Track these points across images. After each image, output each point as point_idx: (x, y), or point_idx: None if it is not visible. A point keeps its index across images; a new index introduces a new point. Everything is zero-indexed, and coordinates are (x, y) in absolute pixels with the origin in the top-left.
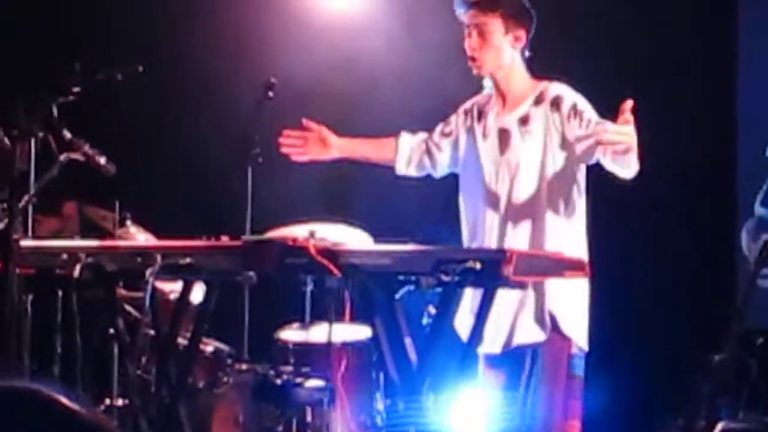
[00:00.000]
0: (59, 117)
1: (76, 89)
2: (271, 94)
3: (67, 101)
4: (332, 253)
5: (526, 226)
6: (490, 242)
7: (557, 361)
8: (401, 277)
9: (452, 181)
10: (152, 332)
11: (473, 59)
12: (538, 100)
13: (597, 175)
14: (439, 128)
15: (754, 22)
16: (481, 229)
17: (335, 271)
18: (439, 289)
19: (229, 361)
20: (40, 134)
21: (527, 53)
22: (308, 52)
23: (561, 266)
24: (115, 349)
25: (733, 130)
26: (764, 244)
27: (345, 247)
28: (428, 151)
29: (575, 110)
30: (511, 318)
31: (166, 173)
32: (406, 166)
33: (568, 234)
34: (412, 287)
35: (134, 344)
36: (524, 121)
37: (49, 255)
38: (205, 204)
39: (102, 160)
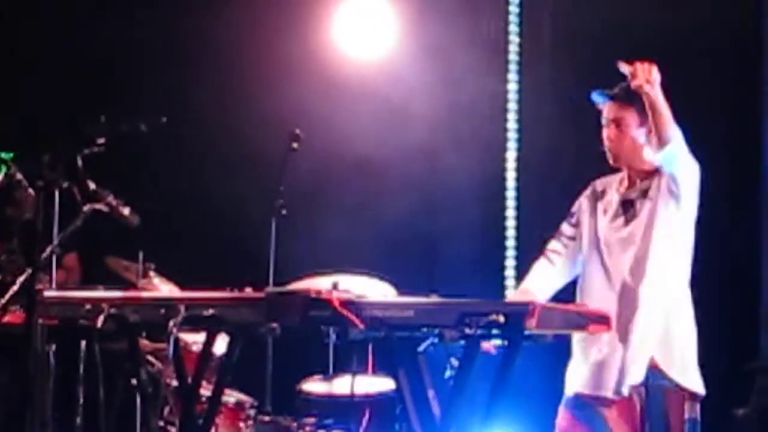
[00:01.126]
0: (84, 168)
1: (101, 140)
2: (295, 145)
3: (92, 152)
4: (355, 305)
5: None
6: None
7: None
8: (424, 330)
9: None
10: (175, 383)
11: (611, 151)
12: (660, 171)
13: None
14: (565, 226)
15: None
16: (595, 292)
17: (358, 323)
18: (462, 342)
19: (252, 412)
20: (65, 185)
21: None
22: (335, 104)
23: (585, 319)
24: (138, 400)
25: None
26: None
27: (368, 299)
28: (552, 261)
29: (674, 179)
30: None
31: (189, 224)
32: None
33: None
34: (435, 340)
35: (157, 395)
36: (645, 192)
37: (72, 306)
38: (229, 255)
39: (126, 211)
